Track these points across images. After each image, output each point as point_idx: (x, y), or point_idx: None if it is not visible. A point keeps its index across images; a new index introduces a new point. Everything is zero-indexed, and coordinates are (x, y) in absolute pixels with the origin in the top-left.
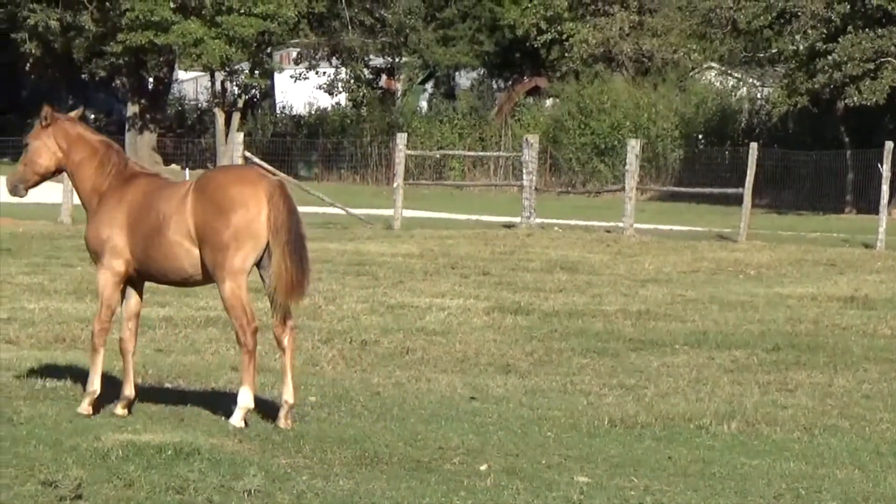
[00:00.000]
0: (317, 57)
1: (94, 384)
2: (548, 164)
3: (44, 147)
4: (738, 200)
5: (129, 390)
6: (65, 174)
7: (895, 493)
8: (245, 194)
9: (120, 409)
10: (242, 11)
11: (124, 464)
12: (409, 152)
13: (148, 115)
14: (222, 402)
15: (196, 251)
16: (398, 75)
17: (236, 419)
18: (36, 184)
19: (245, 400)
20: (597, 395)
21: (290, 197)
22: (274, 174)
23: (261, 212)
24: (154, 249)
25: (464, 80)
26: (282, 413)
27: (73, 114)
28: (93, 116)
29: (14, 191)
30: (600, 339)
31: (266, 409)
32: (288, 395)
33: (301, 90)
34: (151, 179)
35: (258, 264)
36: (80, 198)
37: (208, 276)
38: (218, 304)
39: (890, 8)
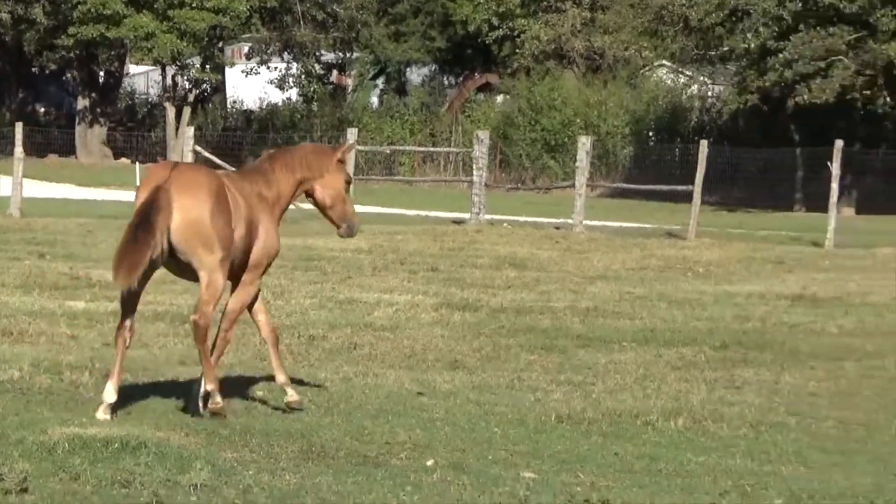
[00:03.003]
0: (268, 52)
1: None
2: (498, 160)
3: None
4: (687, 198)
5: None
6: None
7: (841, 491)
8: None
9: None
10: (194, 5)
11: (70, 457)
12: (359, 148)
13: (98, 109)
14: (170, 396)
15: None
16: (349, 71)
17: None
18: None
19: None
20: (544, 392)
21: (158, 182)
22: (223, 168)
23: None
24: None
25: (415, 75)
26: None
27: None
28: (43, 110)
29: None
30: (548, 336)
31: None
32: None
33: (252, 85)
34: None
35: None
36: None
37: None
38: (165, 298)
39: (841, 6)
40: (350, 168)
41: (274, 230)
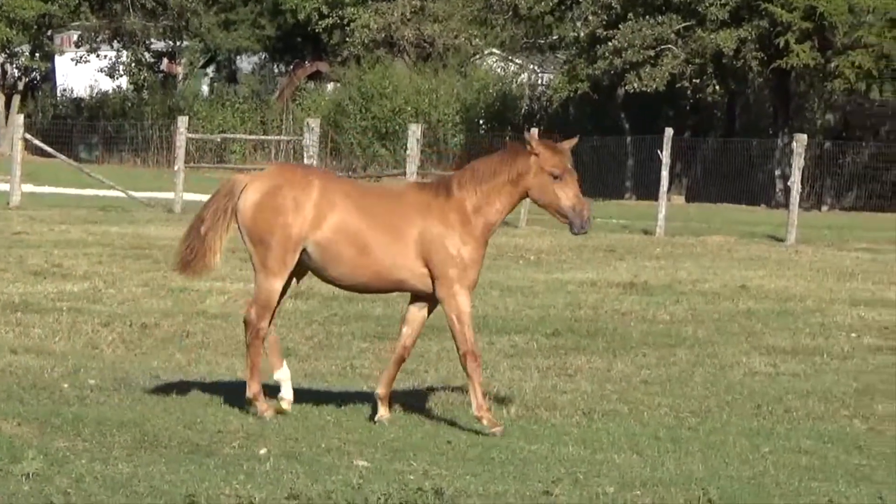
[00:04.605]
0: (98, 40)
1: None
2: (329, 148)
3: None
4: None
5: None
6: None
7: (672, 478)
8: None
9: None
10: None
11: None
12: (190, 136)
13: None
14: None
15: None
16: (180, 59)
17: None
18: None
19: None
20: (377, 380)
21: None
22: (54, 156)
23: None
24: None
25: (245, 64)
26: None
27: (566, 144)
28: None
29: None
30: (380, 324)
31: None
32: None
33: (82, 73)
34: None
35: None
36: None
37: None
38: None
39: None
40: (181, 156)
41: (450, 239)
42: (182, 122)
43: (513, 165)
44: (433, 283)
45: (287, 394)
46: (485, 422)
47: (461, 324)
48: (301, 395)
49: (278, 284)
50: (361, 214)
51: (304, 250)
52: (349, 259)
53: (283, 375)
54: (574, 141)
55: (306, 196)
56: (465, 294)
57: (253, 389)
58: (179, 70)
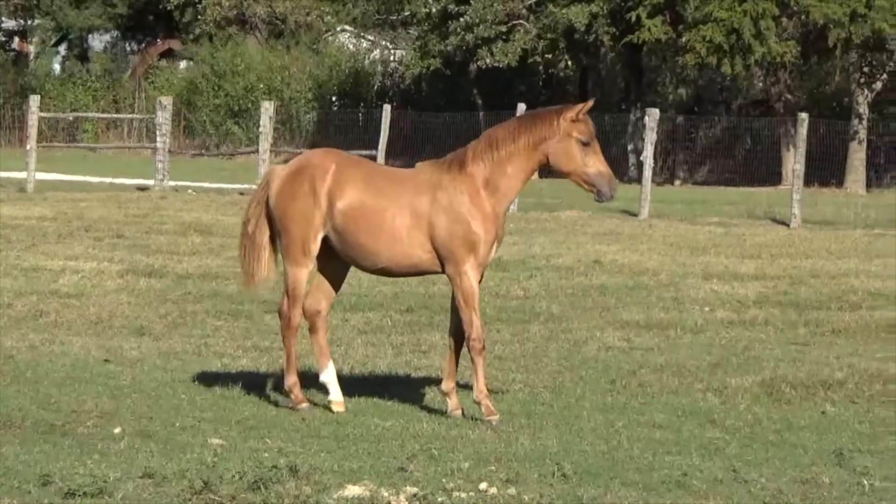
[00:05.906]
0: None
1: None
2: (182, 126)
3: None
4: None
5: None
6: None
7: (527, 453)
8: None
9: None
10: None
11: None
12: (42, 115)
13: None
14: None
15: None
16: (31, 37)
17: None
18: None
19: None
20: (231, 357)
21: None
22: None
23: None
24: None
25: (97, 42)
26: None
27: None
28: None
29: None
30: (234, 302)
31: None
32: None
33: None
34: None
35: None
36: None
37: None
38: None
39: None
40: (33, 135)
41: (462, 215)
42: (34, 100)
43: (535, 129)
44: (441, 262)
45: (335, 396)
46: (483, 408)
47: (468, 307)
48: (155, 375)
49: (302, 273)
50: (373, 198)
51: (327, 237)
52: (365, 243)
53: (329, 377)
54: (590, 104)
55: (321, 182)
56: (474, 274)
57: (289, 381)
58: (31, 48)
